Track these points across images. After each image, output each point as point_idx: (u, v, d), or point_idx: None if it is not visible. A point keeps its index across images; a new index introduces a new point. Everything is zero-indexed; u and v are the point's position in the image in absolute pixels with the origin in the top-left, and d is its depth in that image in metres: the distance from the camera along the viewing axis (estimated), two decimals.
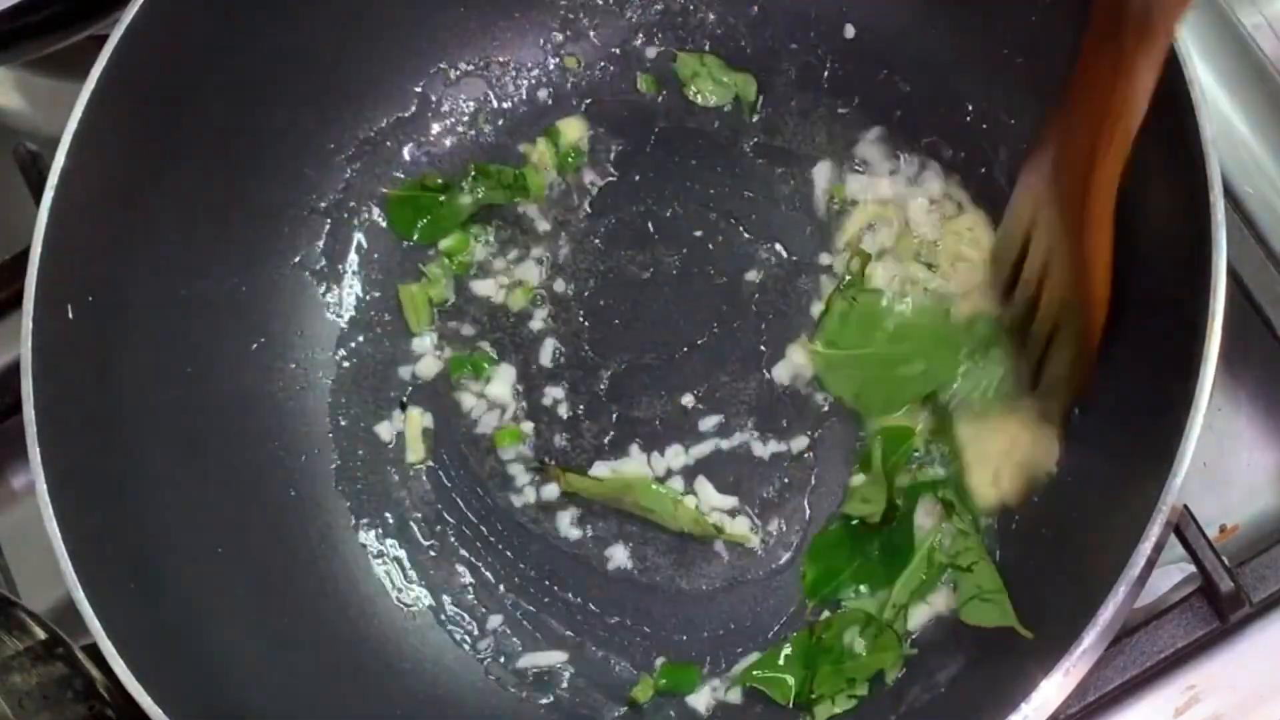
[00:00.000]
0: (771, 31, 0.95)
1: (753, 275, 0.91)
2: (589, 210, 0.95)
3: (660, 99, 0.96)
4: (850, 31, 0.93)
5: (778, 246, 0.91)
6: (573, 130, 0.96)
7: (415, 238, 0.95)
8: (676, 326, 0.91)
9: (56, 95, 1.04)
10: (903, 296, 0.87)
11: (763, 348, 0.89)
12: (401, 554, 0.88)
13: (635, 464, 0.88)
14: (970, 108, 0.89)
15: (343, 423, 0.91)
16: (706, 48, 0.96)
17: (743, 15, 0.96)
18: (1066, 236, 0.76)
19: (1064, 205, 0.76)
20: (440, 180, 0.95)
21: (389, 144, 0.96)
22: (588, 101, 0.97)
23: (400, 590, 0.87)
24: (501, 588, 0.87)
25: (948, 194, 0.90)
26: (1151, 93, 0.69)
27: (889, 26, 0.92)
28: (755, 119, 0.94)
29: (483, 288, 0.94)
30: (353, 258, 0.94)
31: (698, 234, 0.93)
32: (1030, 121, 0.84)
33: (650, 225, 0.94)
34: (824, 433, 0.87)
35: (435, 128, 0.97)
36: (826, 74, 0.94)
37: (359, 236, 0.95)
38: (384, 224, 0.95)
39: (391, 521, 0.89)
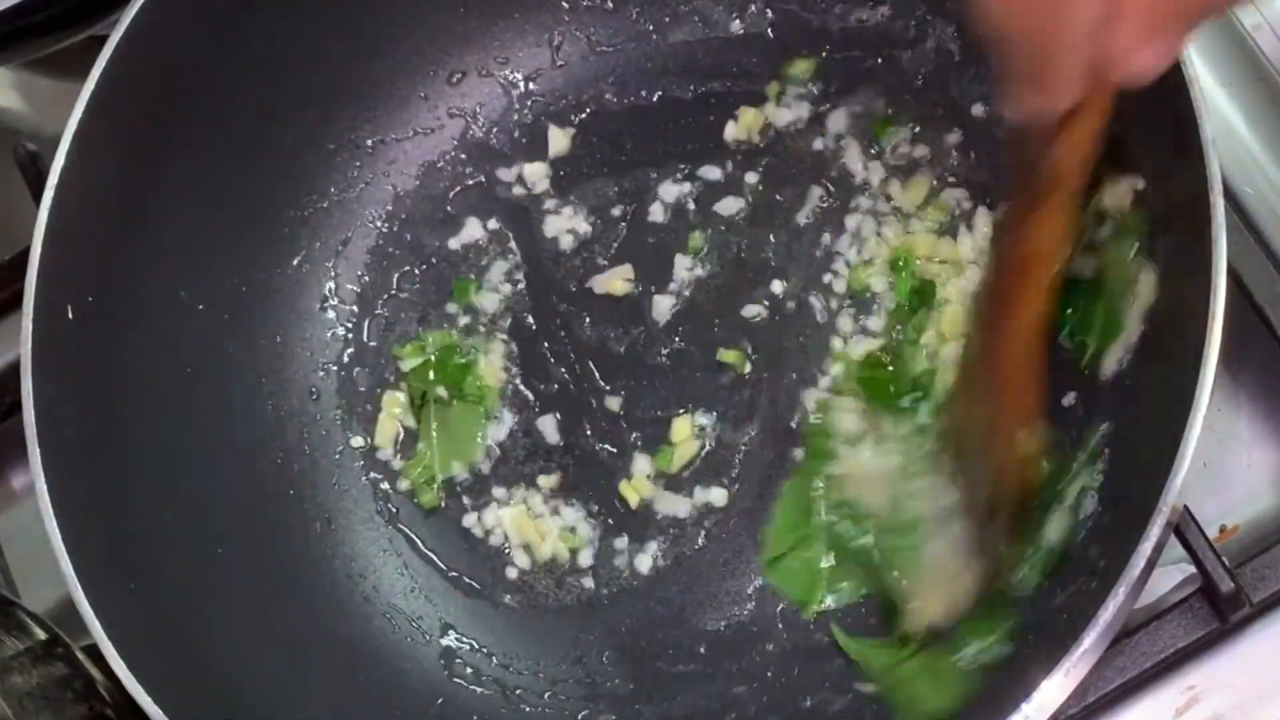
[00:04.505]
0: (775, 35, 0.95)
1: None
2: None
3: None
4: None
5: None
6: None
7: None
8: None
9: (56, 95, 1.04)
10: None
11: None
12: (402, 555, 0.88)
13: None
14: None
15: (343, 422, 0.91)
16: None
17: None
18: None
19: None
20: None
21: (390, 145, 0.96)
22: (592, 103, 0.97)
23: (400, 592, 0.87)
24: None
25: None
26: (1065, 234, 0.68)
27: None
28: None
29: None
30: (353, 258, 0.94)
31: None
32: None
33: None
34: None
35: (436, 128, 0.96)
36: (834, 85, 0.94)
37: (359, 237, 0.95)
38: (383, 225, 0.95)
39: (392, 522, 0.89)
